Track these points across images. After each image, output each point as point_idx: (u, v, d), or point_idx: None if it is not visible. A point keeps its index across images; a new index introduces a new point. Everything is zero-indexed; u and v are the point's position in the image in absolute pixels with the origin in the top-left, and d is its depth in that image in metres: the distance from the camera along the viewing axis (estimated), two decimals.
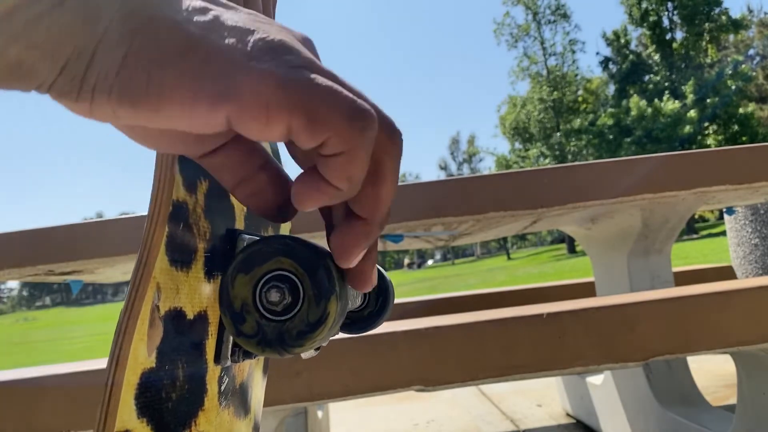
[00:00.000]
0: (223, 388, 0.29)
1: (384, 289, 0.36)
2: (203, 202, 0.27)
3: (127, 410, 0.20)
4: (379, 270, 0.34)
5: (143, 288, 0.22)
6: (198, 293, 0.26)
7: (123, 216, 0.94)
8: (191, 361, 0.25)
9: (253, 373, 0.35)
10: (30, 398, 0.71)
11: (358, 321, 0.36)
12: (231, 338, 0.28)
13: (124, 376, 0.20)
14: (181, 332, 0.24)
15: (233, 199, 0.30)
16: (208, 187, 0.27)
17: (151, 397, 0.22)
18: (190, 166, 0.26)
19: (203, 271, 0.27)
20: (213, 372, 0.27)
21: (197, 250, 0.26)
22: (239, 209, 0.31)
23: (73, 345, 11.13)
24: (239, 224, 0.31)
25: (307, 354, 0.30)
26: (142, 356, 0.21)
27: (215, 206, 0.28)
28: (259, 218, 0.34)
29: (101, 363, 0.75)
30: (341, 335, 0.67)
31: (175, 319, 0.24)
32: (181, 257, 0.25)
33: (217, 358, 0.28)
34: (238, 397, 0.31)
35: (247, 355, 0.30)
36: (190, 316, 0.25)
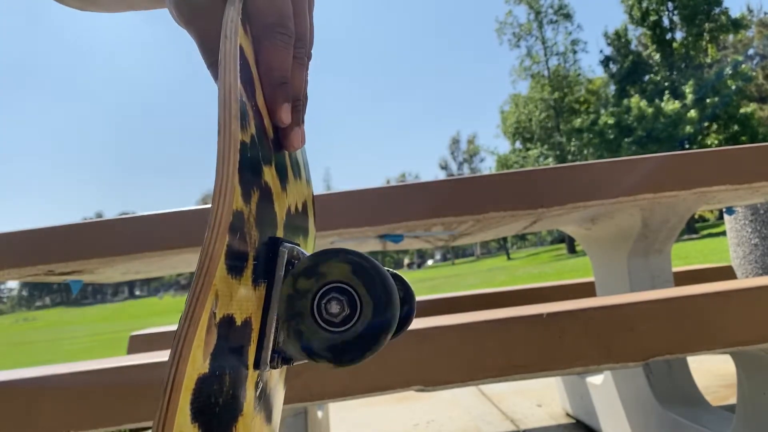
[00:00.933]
0: (257, 393, 0.29)
1: (409, 298, 0.37)
2: (255, 212, 0.28)
3: (183, 416, 0.21)
4: (402, 279, 0.36)
5: (204, 295, 0.22)
6: (246, 300, 0.27)
7: (123, 216, 0.94)
8: (235, 367, 0.26)
9: (278, 380, 0.35)
10: (30, 398, 0.70)
11: None
12: (271, 344, 0.29)
13: (183, 381, 0.21)
14: (230, 338, 0.25)
15: (276, 208, 0.31)
16: (259, 197, 0.28)
17: (203, 402, 0.22)
18: (246, 176, 0.26)
19: (251, 279, 0.27)
20: (252, 377, 0.28)
21: (248, 257, 0.27)
22: (280, 218, 0.32)
23: (73, 345, 11.13)
24: (280, 233, 0.32)
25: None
26: (198, 362, 0.22)
27: (263, 215, 0.29)
28: (295, 227, 0.36)
29: (101, 363, 0.75)
30: None
31: (227, 325, 0.24)
32: (235, 265, 0.25)
33: (257, 364, 0.28)
34: (267, 403, 0.32)
35: (286, 360, 0.30)
36: (239, 322, 0.26)
